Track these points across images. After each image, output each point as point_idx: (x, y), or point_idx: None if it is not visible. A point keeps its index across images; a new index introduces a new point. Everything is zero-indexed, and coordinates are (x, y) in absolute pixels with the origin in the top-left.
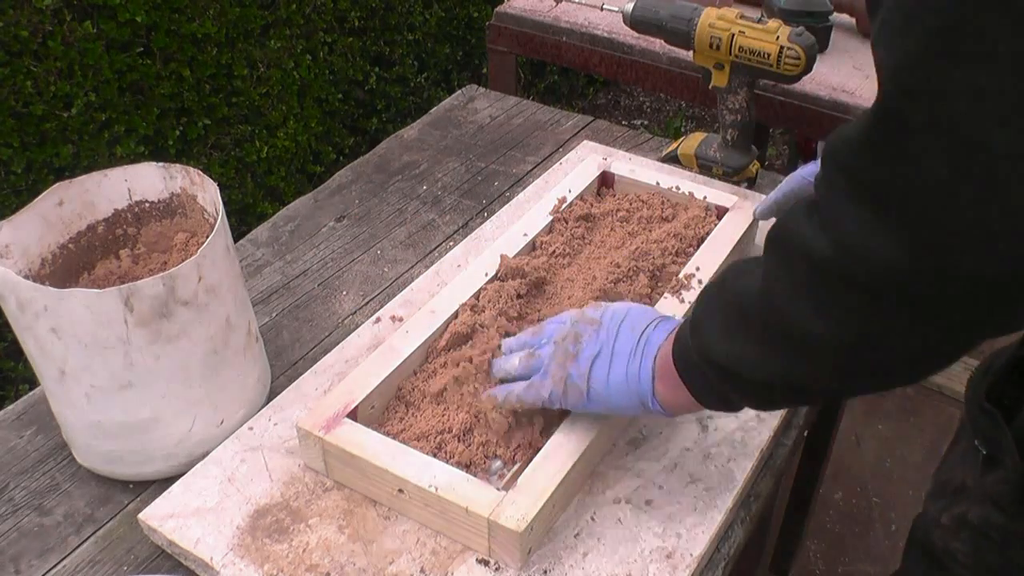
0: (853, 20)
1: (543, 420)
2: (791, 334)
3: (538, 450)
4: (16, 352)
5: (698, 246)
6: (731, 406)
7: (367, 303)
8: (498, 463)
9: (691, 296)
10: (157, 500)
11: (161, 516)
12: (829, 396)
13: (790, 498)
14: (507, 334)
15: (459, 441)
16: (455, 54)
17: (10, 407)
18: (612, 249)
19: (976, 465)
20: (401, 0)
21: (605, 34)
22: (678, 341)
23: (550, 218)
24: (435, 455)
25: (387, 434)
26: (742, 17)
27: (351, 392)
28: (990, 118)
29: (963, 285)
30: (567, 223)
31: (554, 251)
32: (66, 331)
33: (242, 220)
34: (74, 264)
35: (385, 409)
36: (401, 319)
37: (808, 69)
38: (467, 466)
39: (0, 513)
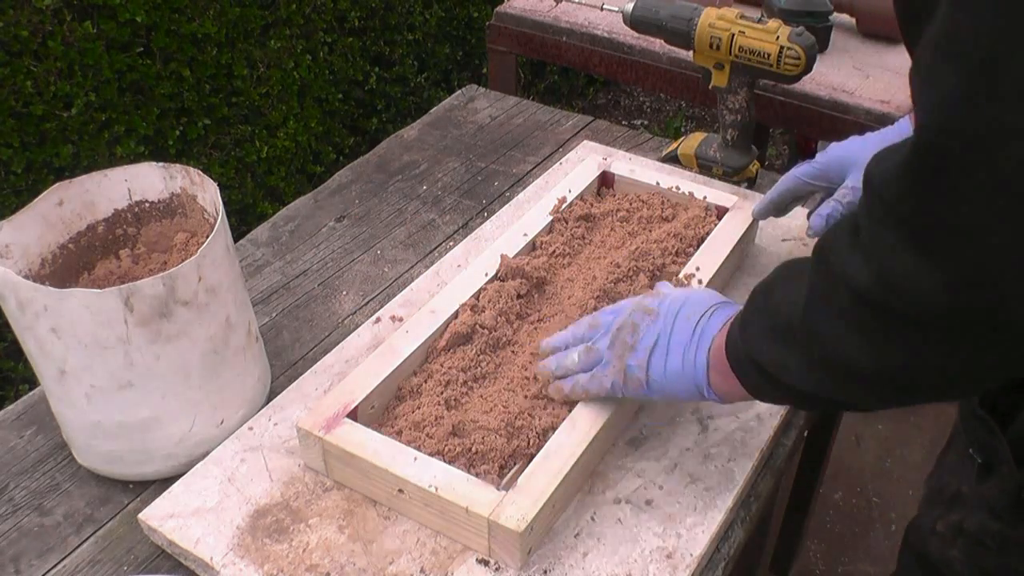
0: (853, 20)
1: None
2: (831, 357)
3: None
4: (16, 352)
5: (698, 246)
6: (781, 401)
7: (367, 303)
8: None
9: None
10: (157, 500)
11: (161, 516)
12: (869, 409)
13: (790, 498)
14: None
15: (456, 437)
16: (455, 54)
17: (10, 407)
18: (612, 249)
19: (971, 473)
20: (401, 0)
21: (605, 34)
22: (730, 335)
23: (550, 218)
24: (435, 450)
25: (387, 431)
26: (742, 17)
27: (351, 392)
28: None
29: (1001, 324)
30: (567, 223)
31: (554, 251)
32: (66, 331)
33: (242, 220)
34: (74, 264)
35: (385, 409)
36: (401, 319)
37: (808, 69)
38: (468, 466)
39: (0, 513)
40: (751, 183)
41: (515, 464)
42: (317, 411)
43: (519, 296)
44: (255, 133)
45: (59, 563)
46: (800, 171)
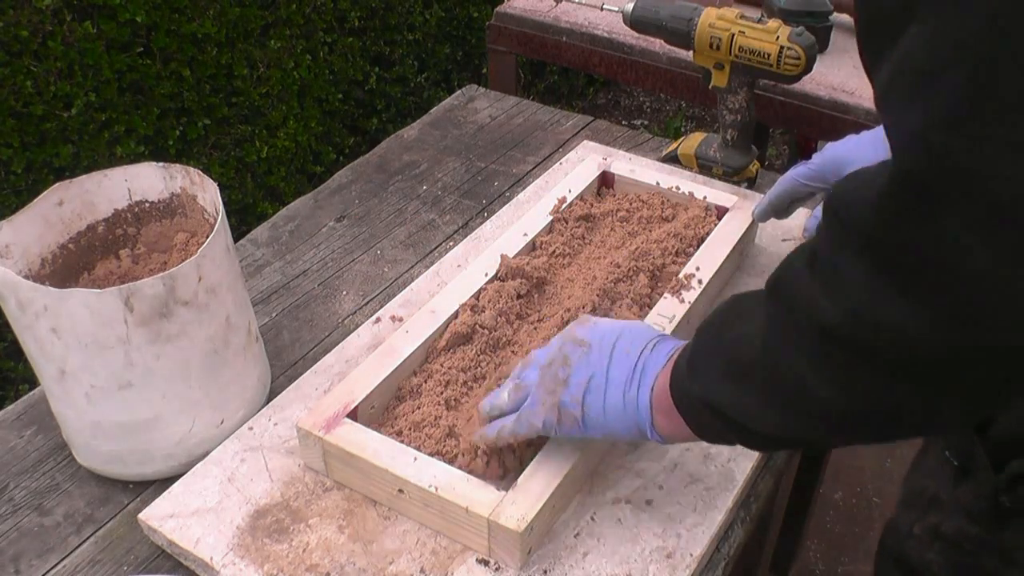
0: (853, 20)
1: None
2: (794, 394)
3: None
4: (16, 352)
5: (698, 246)
6: (732, 443)
7: (367, 303)
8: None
9: (691, 296)
10: (157, 500)
11: (161, 516)
12: (833, 447)
13: (790, 498)
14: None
15: (456, 438)
16: (455, 54)
17: (10, 407)
18: (612, 249)
19: (948, 476)
20: (401, 0)
21: (605, 34)
22: (675, 377)
23: (550, 218)
24: (434, 448)
25: (387, 431)
26: (742, 17)
27: (351, 392)
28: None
29: (983, 358)
30: (567, 223)
31: (554, 251)
32: (66, 331)
33: (242, 220)
34: (74, 264)
35: (385, 409)
36: (401, 319)
37: (808, 69)
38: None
39: (0, 513)
40: (751, 183)
41: (515, 465)
42: (317, 411)
43: (519, 296)
44: (255, 133)
45: (59, 563)
46: (797, 172)
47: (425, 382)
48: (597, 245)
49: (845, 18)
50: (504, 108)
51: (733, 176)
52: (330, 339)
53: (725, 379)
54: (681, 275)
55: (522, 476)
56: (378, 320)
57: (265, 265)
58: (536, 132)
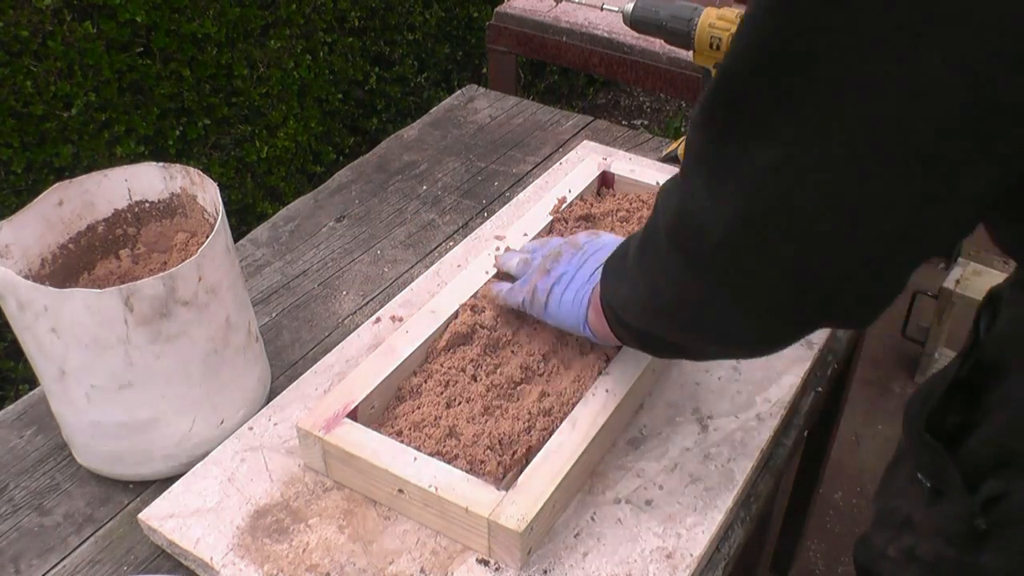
0: None
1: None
2: (646, 291)
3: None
4: (16, 352)
5: None
6: (634, 344)
7: (367, 303)
8: None
9: None
10: (157, 500)
11: (161, 516)
12: (701, 357)
13: (790, 498)
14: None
15: (456, 438)
16: (455, 54)
17: (10, 407)
18: None
19: (921, 497)
20: (401, 0)
21: (605, 34)
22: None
23: (550, 218)
24: (434, 448)
25: (387, 431)
26: (742, 17)
27: (351, 392)
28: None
29: (775, 269)
30: (567, 223)
31: None
32: (66, 331)
33: (242, 220)
34: (74, 264)
35: (385, 409)
36: (401, 319)
37: None
38: (468, 467)
39: (0, 513)
40: None
41: (515, 464)
42: (317, 411)
43: None
44: (255, 133)
45: (59, 563)
46: None
47: (425, 382)
48: None
49: None
50: (504, 108)
51: None
52: (330, 339)
53: (615, 275)
54: None
55: (522, 476)
56: (378, 320)
57: (265, 265)
58: (536, 132)
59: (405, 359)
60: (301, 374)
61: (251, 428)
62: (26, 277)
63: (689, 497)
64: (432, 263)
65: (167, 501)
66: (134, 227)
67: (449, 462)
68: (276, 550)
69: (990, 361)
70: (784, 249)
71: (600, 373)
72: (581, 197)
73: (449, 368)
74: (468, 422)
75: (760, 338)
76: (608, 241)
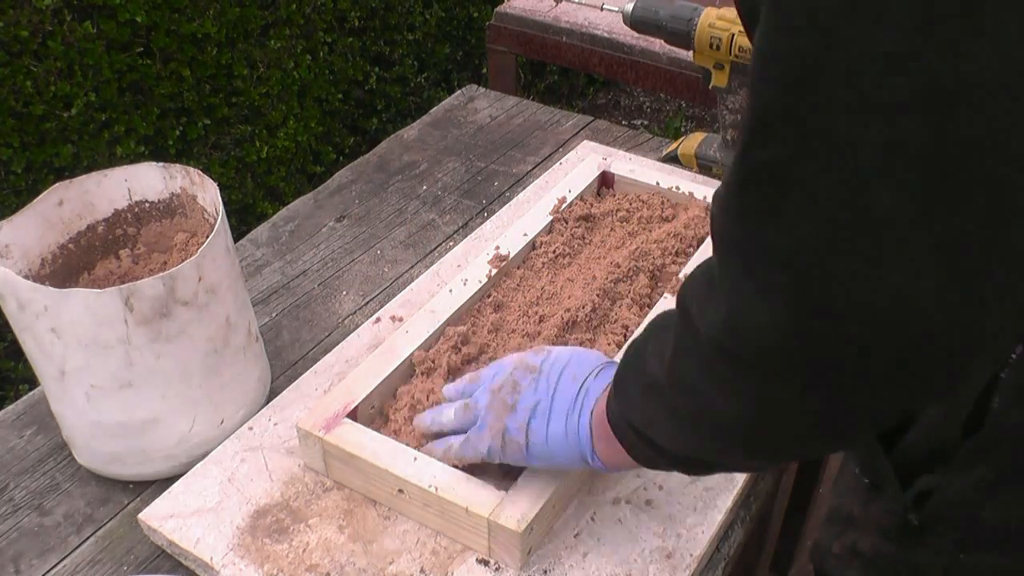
0: None
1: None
2: (693, 409)
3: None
4: (16, 352)
5: (698, 246)
6: (664, 467)
7: (367, 303)
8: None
9: None
10: (157, 500)
11: (161, 516)
12: (753, 470)
13: (790, 498)
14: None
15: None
16: (455, 54)
17: (10, 407)
18: (612, 249)
19: (860, 493)
20: (401, 0)
21: (605, 34)
22: (608, 399)
23: (550, 218)
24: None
25: (386, 431)
26: None
27: (351, 392)
28: (865, 174)
29: (850, 361)
30: (567, 223)
31: (554, 251)
32: (66, 331)
33: (242, 220)
34: (74, 264)
35: (383, 407)
36: (401, 319)
37: None
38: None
39: (0, 513)
40: None
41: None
42: (317, 411)
43: None
44: (255, 133)
45: (59, 563)
46: None
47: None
48: (597, 245)
49: None
50: (504, 108)
51: None
52: (330, 339)
53: (642, 397)
54: (681, 275)
55: (522, 476)
56: (378, 320)
57: (265, 265)
58: (536, 132)
59: (405, 359)
60: (301, 374)
61: (251, 428)
62: (26, 277)
63: (689, 497)
64: (432, 263)
65: (167, 501)
66: (134, 227)
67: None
68: (276, 550)
69: None
70: (853, 331)
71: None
72: (581, 197)
73: (448, 368)
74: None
75: (832, 437)
76: (564, 354)
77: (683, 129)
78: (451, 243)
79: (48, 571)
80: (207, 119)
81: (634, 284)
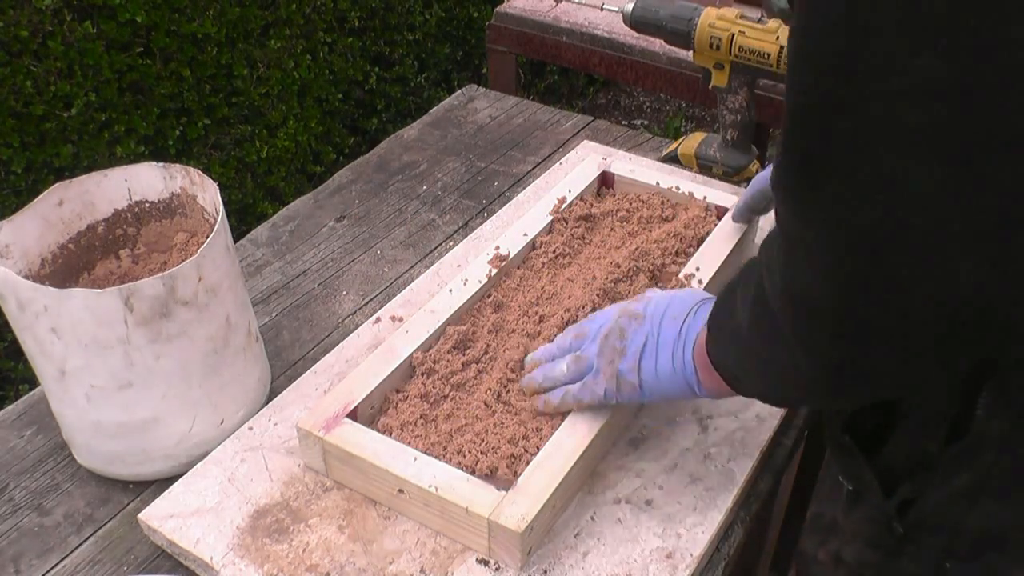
0: None
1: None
2: (766, 357)
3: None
4: (16, 352)
5: (698, 246)
6: (757, 397)
7: (367, 303)
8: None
9: None
10: (157, 500)
11: (161, 516)
12: (826, 407)
13: (790, 498)
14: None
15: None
16: (455, 54)
17: (10, 407)
18: (612, 249)
19: (842, 500)
20: (401, 0)
21: (605, 34)
22: (706, 335)
23: (550, 218)
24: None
25: (384, 427)
26: (742, 17)
27: (351, 392)
28: (901, 156)
29: (889, 330)
30: (567, 223)
31: (554, 251)
32: (66, 331)
33: (242, 220)
34: (74, 264)
35: (383, 408)
36: (401, 319)
37: None
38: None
39: (0, 513)
40: None
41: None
42: (317, 411)
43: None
44: (255, 133)
45: (59, 563)
46: (768, 172)
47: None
48: (597, 245)
49: None
50: (504, 108)
51: (733, 176)
52: (330, 339)
53: (730, 338)
54: (681, 275)
55: (522, 476)
56: (378, 320)
57: (265, 265)
58: (536, 132)
59: (405, 359)
60: (301, 374)
61: (251, 428)
62: (26, 277)
63: (689, 497)
64: (432, 263)
65: (167, 501)
66: (134, 227)
67: (448, 461)
68: (276, 550)
69: None
70: (892, 303)
71: None
72: (581, 197)
73: (448, 368)
74: (470, 420)
75: (917, 382)
76: (664, 298)
77: (683, 129)
78: (451, 243)
79: (48, 571)
80: (207, 119)
81: (634, 284)
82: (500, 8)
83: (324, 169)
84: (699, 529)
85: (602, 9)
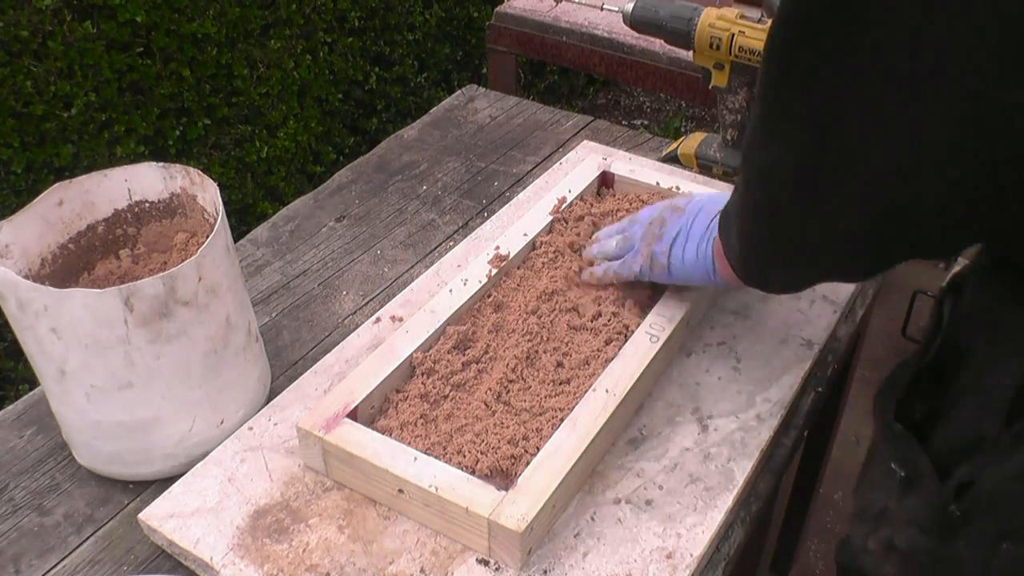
0: None
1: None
2: (746, 227)
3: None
4: (16, 352)
5: None
6: (749, 279)
7: (367, 303)
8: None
9: (691, 296)
10: (157, 500)
11: (161, 516)
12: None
13: (790, 498)
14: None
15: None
16: (455, 54)
17: (10, 407)
18: None
19: (894, 487)
20: (401, 0)
21: (605, 34)
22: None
23: (550, 218)
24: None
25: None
26: (742, 17)
27: (351, 392)
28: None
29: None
30: (567, 223)
31: (554, 251)
32: (66, 331)
33: (242, 220)
34: (74, 264)
35: (383, 407)
36: (401, 319)
37: None
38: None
39: (0, 513)
40: None
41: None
42: (317, 411)
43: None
44: (255, 133)
45: (59, 563)
46: None
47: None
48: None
49: None
50: (504, 108)
51: (733, 176)
52: (330, 339)
53: (731, 216)
54: None
55: (522, 476)
56: (378, 320)
57: (265, 265)
58: (536, 132)
59: (405, 359)
60: (301, 374)
61: (251, 428)
62: (26, 277)
63: (689, 497)
64: (432, 263)
65: (167, 501)
66: (134, 227)
67: (448, 461)
68: (276, 550)
69: (956, 347)
70: (849, 185)
71: (602, 370)
72: (581, 197)
73: (448, 368)
74: (470, 420)
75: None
76: (704, 198)
77: (683, 129)
78: (451, 243)
79: (48, 571)
80: (207, 119)
81: (634, 284)
82: (500, 8)
83: (324, 169)
84: (699, 529)
85: (602, 9)
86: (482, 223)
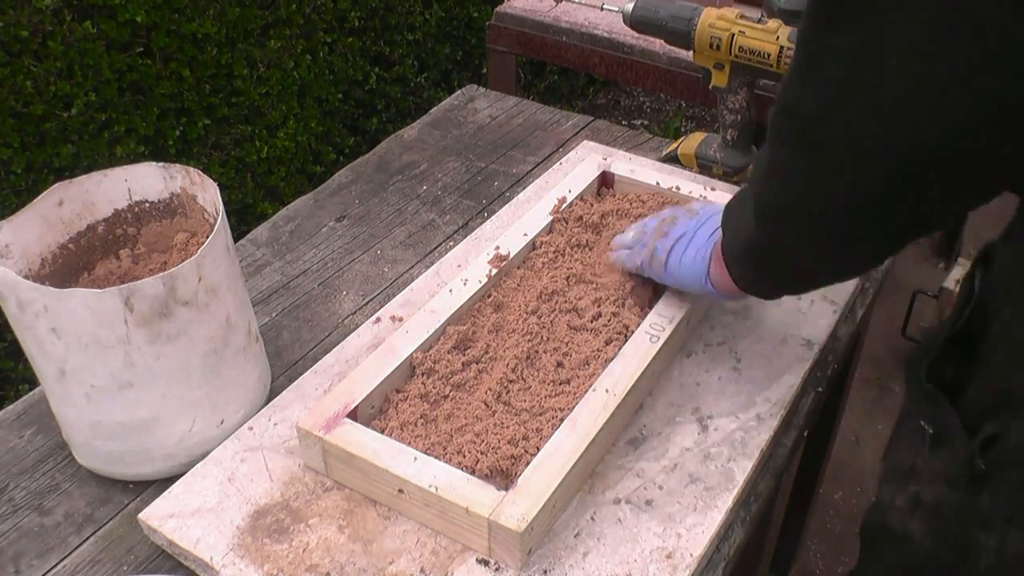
0: None
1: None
2: (750, 191)
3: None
4: (16, 352)
5: None
6: (746, 283)
7: (367, 303)
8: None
9: (691, 296)
10: (157, 500)
11: (161, 516)
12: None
13: (790, 498)
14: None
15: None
16: (455, 54)
17: (10, 407)
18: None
19: (923, 445)
20: (401, 0)
21: (605, 34)
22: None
23: (550, 218)
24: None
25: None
26: (742, 17)
27: (351, 392)
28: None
29: (864, 144)
30: (567, 223)
31: (554, 251)
32: (66, 331)
33: (242, 220)
34: (74, 264)
35: (383, 407)
36: (401, 319)
37: None
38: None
39: (0, 513)
40: None
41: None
42: (317, 411)
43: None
44: (255, 133)
45: (59, 563)
46: None
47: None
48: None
49: None
50: (504, 108)
51: (733, 176)
52: (330, 339)
53: (737, 209)
54: None
55: (522, 476)
56: (378, 320)
57: (265, 265)
58: (536, 132)
59: (405, 359)
60: (301, 374)
61: (251, 428)
62: (26, 277)
63: (689, 497)
64: (432, 263)
65: (167, 501)
66: (134, 227)
67: (448, 461)
68: (276, 550)
69: (986, 311)
70: (873, 126)
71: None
72: (581, 197)
73: (448, 368)
74: (470, 420)
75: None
76: (720, 205)
77: (683, 129)
78: (451, 243)
79: (48, 571)
80: (207, 119)
81: (635, 284)
82: (500, 8)
83: (324, 169)
84: (699, 529)
85: (602, 9)
86: (482, 223)
